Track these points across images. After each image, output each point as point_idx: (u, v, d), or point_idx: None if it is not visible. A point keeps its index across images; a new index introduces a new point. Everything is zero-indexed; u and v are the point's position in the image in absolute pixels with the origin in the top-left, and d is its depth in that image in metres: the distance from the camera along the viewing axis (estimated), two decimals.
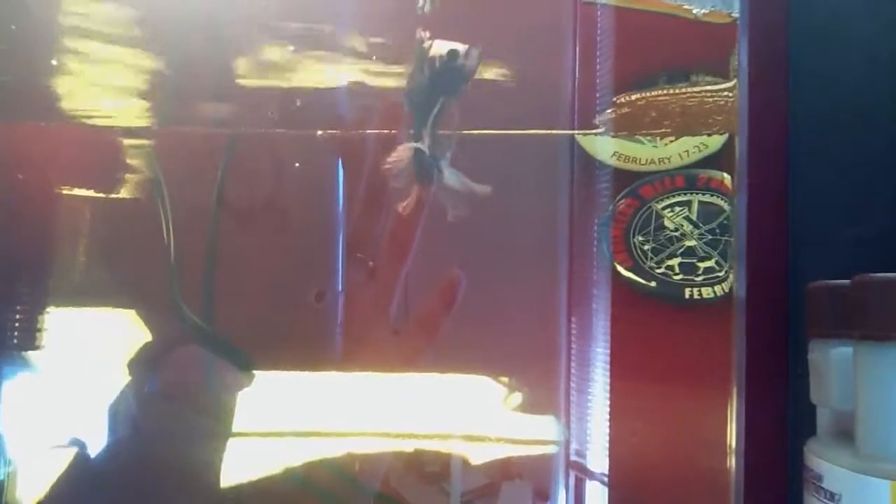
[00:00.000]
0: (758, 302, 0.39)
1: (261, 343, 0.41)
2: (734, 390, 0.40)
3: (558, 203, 0.43)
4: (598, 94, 0.42)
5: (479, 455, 0.41)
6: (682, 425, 0.40)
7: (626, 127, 0.42)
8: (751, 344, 0.39)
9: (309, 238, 0.42)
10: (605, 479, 0.40)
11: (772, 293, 0.39)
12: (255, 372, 0.41)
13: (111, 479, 0.40)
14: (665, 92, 0.42)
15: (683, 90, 0.42)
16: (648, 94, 0.42)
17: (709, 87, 0.42)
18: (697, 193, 0.41)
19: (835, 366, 0.30)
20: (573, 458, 0.42)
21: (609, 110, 0.42)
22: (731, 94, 0.42)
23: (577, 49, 0.43)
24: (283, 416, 0.41)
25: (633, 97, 0.42)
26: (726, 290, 0.41)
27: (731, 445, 0.39)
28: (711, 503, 0.40)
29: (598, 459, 0.41)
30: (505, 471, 0.41)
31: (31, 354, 0.41)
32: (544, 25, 0.43)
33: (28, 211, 0.41)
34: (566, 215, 0.42)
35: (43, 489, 0.40)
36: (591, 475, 0.41)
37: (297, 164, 0.42)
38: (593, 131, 0.42)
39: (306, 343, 0.41)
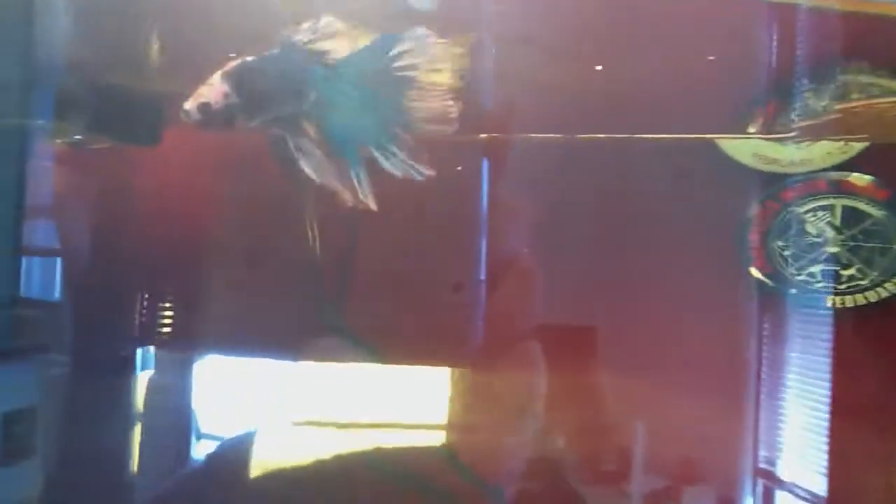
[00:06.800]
0: None
1: (396, 333, 0.40)
2: None
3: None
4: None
5: (659, 456, 0.40)
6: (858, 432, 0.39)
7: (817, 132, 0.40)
8: None
9: (451, 228, 0.41)
10: (795, 489, 0.39)
11: None
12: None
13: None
14: (861, 102, 0.40)
15: (879, 99, 0.40)
16: (845, 104, 0.40)
17: None
18: (841, 197, 0.40)
19: None
20: (762, 465, 0.40)
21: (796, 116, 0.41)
22: None
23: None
24: (424, 409, 0.40)
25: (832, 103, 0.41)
26: (869, 300, 0.39)
27: None
28: None
29: (789, 467, 0.40)
30: (687, 474, 0.40)
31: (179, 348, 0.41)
32: (728, 28, 0.41)
33: (178, 211, 0.41)
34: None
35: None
36: (781, 483, 0.40)
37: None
38: (780, 135, 0.41)
39: (443, 335, 0.40)
